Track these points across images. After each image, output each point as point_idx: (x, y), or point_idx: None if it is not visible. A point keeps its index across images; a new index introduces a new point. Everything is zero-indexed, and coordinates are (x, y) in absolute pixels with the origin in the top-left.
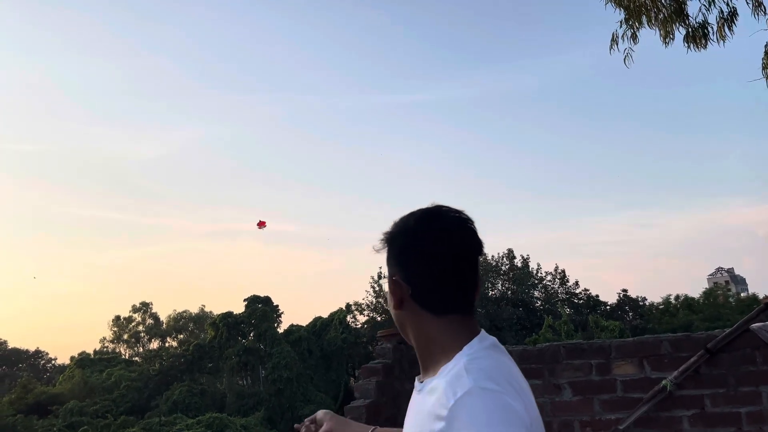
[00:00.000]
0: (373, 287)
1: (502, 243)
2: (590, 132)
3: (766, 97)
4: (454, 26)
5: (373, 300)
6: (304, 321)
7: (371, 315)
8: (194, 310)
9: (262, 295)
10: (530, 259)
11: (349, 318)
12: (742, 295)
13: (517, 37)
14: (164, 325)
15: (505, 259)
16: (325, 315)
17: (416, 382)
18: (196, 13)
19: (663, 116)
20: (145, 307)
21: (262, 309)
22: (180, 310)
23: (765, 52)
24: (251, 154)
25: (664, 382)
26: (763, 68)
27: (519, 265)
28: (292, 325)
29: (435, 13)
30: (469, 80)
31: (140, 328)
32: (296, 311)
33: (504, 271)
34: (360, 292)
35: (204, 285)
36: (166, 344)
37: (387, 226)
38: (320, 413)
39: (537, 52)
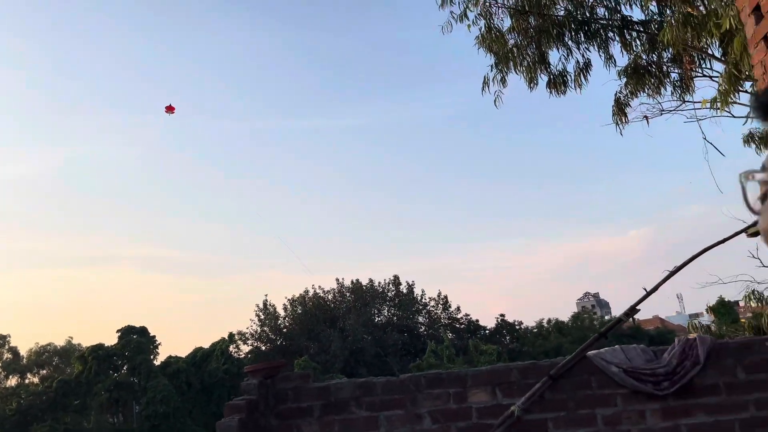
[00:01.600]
0: (258, 315)
1: (389, 269)
2: (471, 162)
3: (619, 139)
4: (347, 59)
5: (258, 329)
6: (184, 352)
7: (255, 344)
8: (60, 342)
9: (137, 326)
10: (415, 285)
11: (232, 348)
12: (606, 317)
13: (407, 72)
14: (24, 360)
15: (391, 285)
16: (206, 345)
17: None
18: (70, 27)
19: (540, 153)
20: (1, 340)
21: (136, 340)
22: (43, 343)
23: (615, 100)
24: (129, 178)
25: (513, 407)
26: (613, 114)
27: (404, 291)
28: (170, 357)
29: (331, 44)
30: (361, 110)
31: None
32: (176, 342)
33: (390, 297)
34: (244, 321)
35: (73, 316)
36: (26, 381)
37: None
38: None
39: (425, 87)
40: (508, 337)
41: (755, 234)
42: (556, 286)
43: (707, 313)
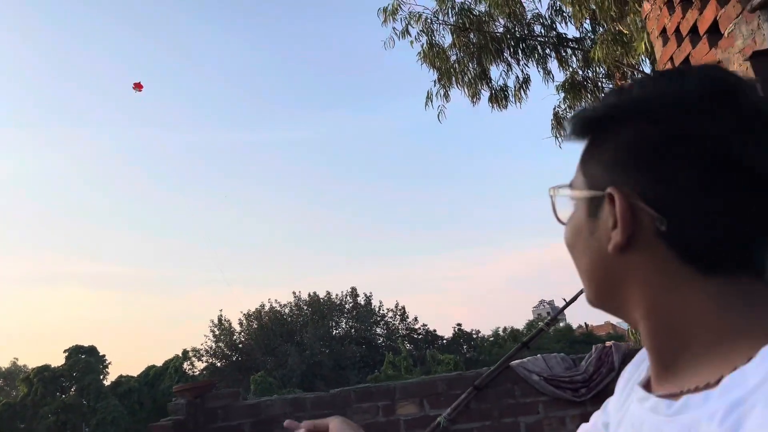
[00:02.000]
0: (213, 331)
1: (347, 281)
2: (424, 173)
3: (559, 152)
4: (292, 72)
5: (213, 345)
6: (136, 371)
7: (211, 361)
8: (5, 364)
9: (86, 345)
10: (373, 297)
11: (186, 365)
12: (561, 325)
13: (355, 86)
14: None
15: (348, 297)
16: (159, 363)
17: (638, 390)
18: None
19: (488, 164)
20: None
21: (85, 360)
22: None
23: (553, 114)
24: (76, 193)
25: (439, 418)
26: (552, 127)
27: (362, 302)
28: (121, 376)
29: (274, 56)
30: (311, 123)
31: None
32: (127, 361)
33: (348, 309)
34: (199, 337)
35: (18, 336)
36: None
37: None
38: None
39: (372, 100)
40: (465, 347)
41: None
42: (514, 295)
43: None
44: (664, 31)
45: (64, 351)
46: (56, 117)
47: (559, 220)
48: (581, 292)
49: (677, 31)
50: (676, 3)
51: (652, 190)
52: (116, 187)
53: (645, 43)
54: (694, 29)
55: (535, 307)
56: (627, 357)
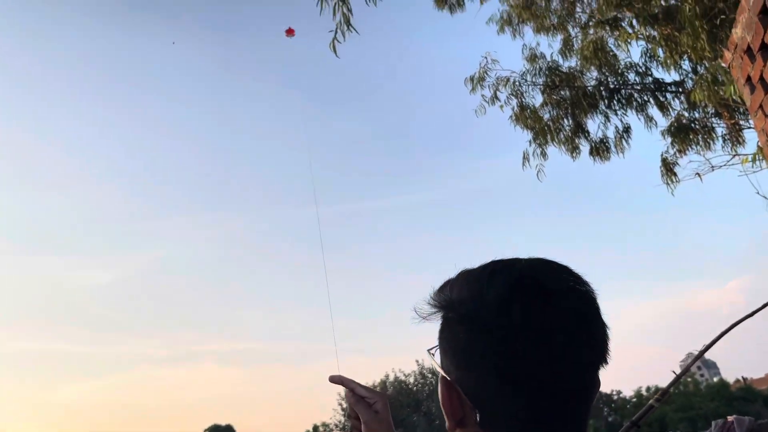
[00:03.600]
0: (340, 404)
1: None
2: (542, 229)
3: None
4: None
5: (342, 419)
6: None
7: None
8: None
9: (223, 424)
10: None
11: None
12: (714, 379)
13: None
14: None
15: None
16: None
17: None
18: (139, 131)
19: (597, 217)
20: None
21: None
22: None
23: (662, 160)
24: (208, 275)
25: None
26: (662, 174)
27: None
28: None
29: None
30: (427, 184)
31: None
32: None
33: None
34: (327, 411)
35: (164, 414)
36: None
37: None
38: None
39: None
40: (605, 409)
41: None
42: (652, 350)
43: None
44: (749, 79)
45: (205, 430)
46: (189, 206)
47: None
48: (721, 334)
49: (762, 79)
50: (756, 51)
51: (467, 386)
52: (248, 266)
53: (734, 87)
54: None
55: (681, 362)
56: None
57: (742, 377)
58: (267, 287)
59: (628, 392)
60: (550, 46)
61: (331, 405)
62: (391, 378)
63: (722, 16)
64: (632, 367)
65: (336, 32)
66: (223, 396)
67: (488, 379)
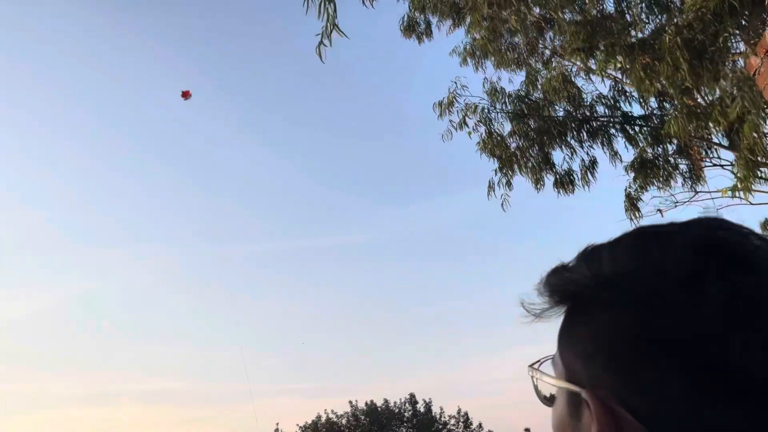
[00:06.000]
0: None
1: (404, 387)
2: (489, 266)
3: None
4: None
5: None
6: None
7: None
8: None
9: None
10: (432, 403)
11: None
12: None
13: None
14: None
15: (407, 404)
16: None
17: None
18: (70, 159)
19: (557, 252)
20: None
21: None
22: None
23: (626, 195)
24: (130, 310)
25: None
26: (626, 210)
27: (422, 409)
28: None
29: (335, 158)
30: (366, 224)
31: None
32: None
33: (407, 417)
34: None
35: None
36: None
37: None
38: None
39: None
40: None
41: None
42: None
43: None
44: None
45: None
46: (113, 238)
47: (542, 400)
48: None
49: None
50: None
51: (632, 397)
52: (174, 302)
53: (741, 105)
54: None
55: None
56: None
57: None
58: (194, 324)
59: None
60: (511, 81)
61: None
62: (323, 419)
63: (712, 48)
64: None
65: (322, 36)
66: None
67: (679, 381)
